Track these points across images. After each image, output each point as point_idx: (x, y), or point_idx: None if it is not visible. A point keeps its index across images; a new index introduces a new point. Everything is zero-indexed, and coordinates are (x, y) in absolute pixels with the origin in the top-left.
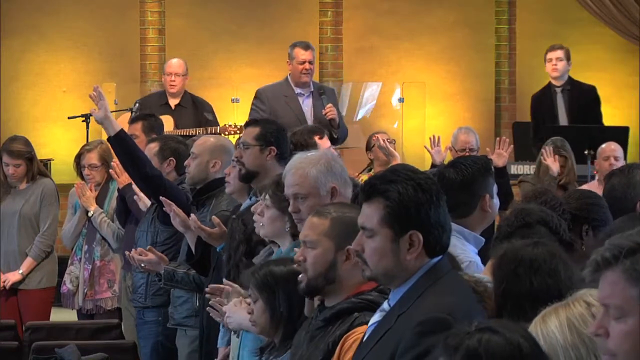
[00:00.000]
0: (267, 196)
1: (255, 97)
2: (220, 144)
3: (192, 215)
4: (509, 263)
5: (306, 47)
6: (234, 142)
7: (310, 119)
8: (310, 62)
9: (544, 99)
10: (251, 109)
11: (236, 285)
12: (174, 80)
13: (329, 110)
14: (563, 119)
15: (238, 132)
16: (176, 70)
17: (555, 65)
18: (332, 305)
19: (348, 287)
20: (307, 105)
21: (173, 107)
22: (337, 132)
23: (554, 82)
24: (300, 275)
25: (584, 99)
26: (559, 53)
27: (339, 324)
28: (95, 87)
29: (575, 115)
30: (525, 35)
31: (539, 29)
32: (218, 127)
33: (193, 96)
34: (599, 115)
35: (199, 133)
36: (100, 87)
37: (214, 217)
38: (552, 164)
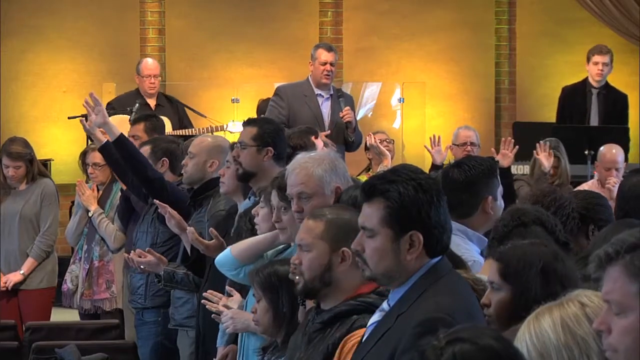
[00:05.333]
0: (278, 200)
1: (275, 94)
2: (217, 143)
3: (190, 227)
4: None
5: (329, 48)
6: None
7: (327, 121)
8: (331, 64)
9: (577, 96)
10: (269, 104)
11: (237, 294)
12: (153, 82)
13: (346, 113)
14: (594, 120)
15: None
16: (155, 72)
17: (602, 70)
18: (330, 308)
19: (345, 290)
20: (325, 107)
21: (153, 107)
22: (352, 136)
23: (593, 83)
24: (296, 278)
25: (617, 106)
26: (607, 59)
27: (337, 326)
28: (90, 93)
29: (606, 120)
30: (525, 35)
31: (539, 29)
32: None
33: (164, 94)
34: (625, 123)
35: (203, 132)
36: (95, 93)
37: (211, 229)
38: (545, 159)
